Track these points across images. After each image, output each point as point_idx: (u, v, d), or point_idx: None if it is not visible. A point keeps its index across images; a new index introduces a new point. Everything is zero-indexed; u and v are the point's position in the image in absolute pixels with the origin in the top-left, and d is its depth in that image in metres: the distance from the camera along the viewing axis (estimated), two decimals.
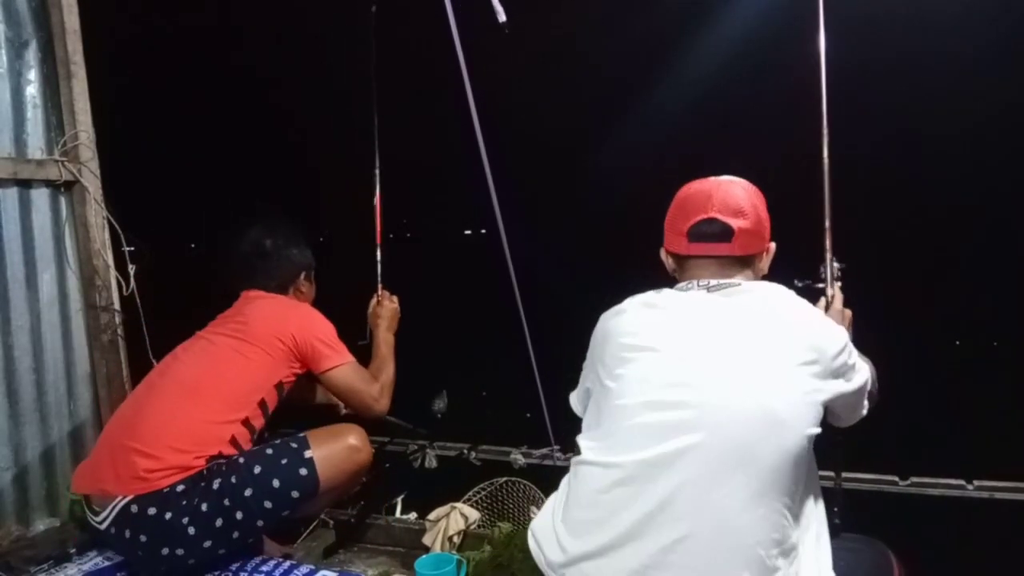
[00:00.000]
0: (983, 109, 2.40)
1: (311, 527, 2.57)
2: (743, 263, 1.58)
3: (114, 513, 2.09)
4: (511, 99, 2.78)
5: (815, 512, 1.43)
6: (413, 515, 2.82)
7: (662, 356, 1.45)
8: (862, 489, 2.58)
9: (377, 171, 2.82)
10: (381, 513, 2.81)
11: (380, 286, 2.80)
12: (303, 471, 2.16)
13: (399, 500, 2.95)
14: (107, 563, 2.31)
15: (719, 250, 1.55)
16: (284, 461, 2.16)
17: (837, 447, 2.27)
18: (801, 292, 1.97)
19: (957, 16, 2.38)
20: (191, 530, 2.06)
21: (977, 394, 2.51)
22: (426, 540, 2.47)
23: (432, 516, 2.54)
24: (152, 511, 2.06)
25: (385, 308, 2.73)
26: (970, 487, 2.53)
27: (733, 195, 1.56)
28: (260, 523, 2.14)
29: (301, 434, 2.29)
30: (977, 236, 2.49)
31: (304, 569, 2.20)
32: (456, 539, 2.45)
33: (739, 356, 1.40)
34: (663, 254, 1.68)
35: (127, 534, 2.09)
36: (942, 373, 2.56)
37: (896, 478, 2.60)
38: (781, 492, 1.32)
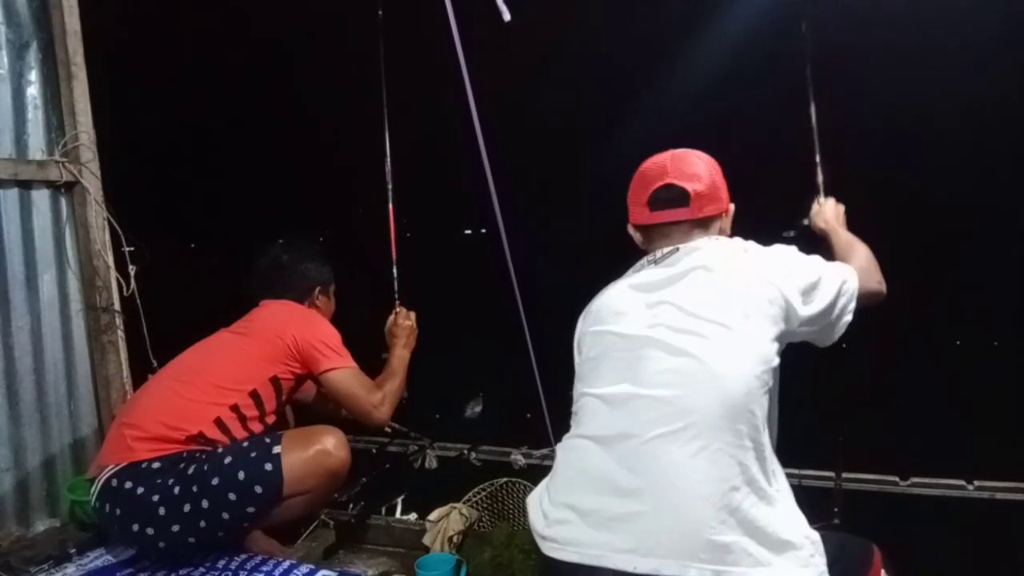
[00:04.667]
0: (983, 108, 2.40)
1: (311, 527, 2.57)
2: (703, 226, 1.67)
3: (99, 487, 2.17)
4: (511, 98, 2.78)
5: (766, 446, 1.47)
6: (413, 515, 2.83)
7: (616, 339, 1.57)
8: (862, 489, 2.57)
9: (390, 186, 2.82)
10: (381, 513, 2.81)
11: (397, 303, 2.80)
12: (268, 466, 2.17)
13: (399, 500, 2.95)
14: (107, 563, 2.31)
15: (678, 215, 1.65)
16: (253, 454, 2.19)
17: (837, 447, 2.27)
18: (792, 240, 1.97)
19: (956, 10, 2.39)
20: (161, 510, 2.10)
21: (977, 394, 2.50)
22: (426, 540, 2.48)
23: (432, 516, 2.55)
24: (128, 485, 2.13)
25: (400, 327, 2.73)
26: (970, 487, 2.52)
27: (687, 162, 1.67)
28: (225, 516, 2.15)
29: (280, 432, 2.32)
30: (977, 236, 2.49)
31: (304, 569, 2.20)
32: (456, 539, 2.46)
33: (676, 321, 1.50)
34: (630, 229, 1.77)
35: (107, 508, 2.16)
36: (942, 373, 2.55)
37: (896, 478, 2.60)
38: (731, 435, 1.40)
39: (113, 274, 2.81)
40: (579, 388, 1.64)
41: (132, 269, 2.81)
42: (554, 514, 1.51)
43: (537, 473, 2.86)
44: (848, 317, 1.65)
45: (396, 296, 2.81)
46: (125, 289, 2.81)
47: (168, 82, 3.44)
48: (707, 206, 1.65)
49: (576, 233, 2.93)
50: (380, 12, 2.75)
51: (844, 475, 2.36)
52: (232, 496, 2.13)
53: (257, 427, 2.34)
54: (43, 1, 2.69)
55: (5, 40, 2.60)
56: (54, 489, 2.73)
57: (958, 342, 2.55)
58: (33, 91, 2.68)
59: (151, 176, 3.48)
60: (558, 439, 2.77)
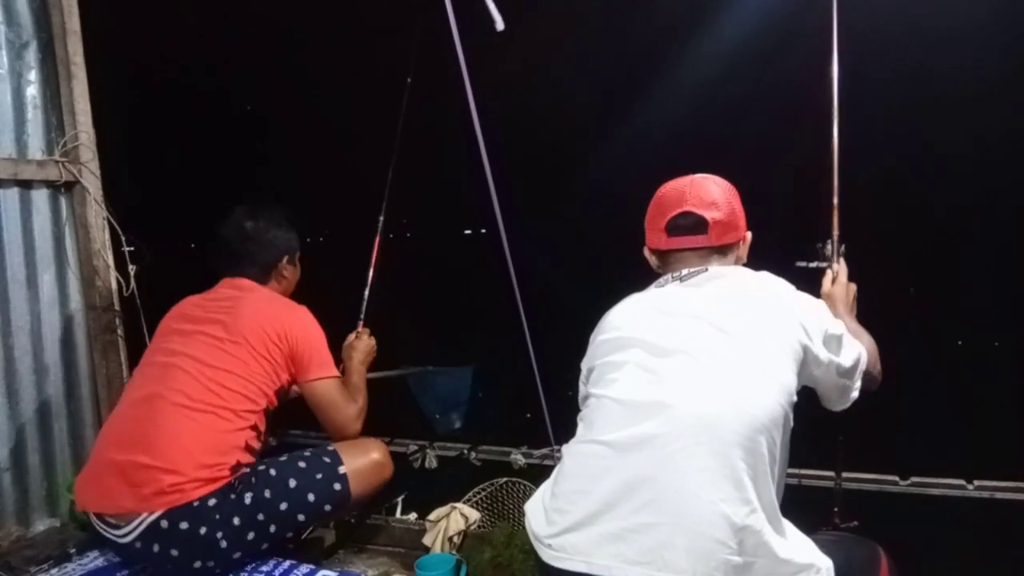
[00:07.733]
0: (986, 112, 2.41)
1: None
2: (721, 253, 1.68)
3: (141, 528, 2.04)
4: (511, 99, 2.78)
5: (779, 479, 1.49)
6: (413, 515, 2.82)
7: (640, 348, 1.55)
8: (862, 489, 2.58)
9: (382, 217, 2.80)
10: (381, 513, 2.81)
11: (361, 323, 2.73)
12: (337, 486, 2.21)
13: (399, 500, 2.95)
14: (107, 563, 2.31)
15: (696, 242, 1.66)
16: (319, 476, 2.20)
17: (837, 447, 2.27)
18: (805, 273, 2.00)
19: (964, 24, 2.39)
20: (223, 544, 2.06)
21: (977, 394, 2.51)
22: (426, 540, 2.48)
23: (432, 516, 2.54)
24: (184, 525, 2.02)
25: (362, 342, 2.65)
26: (970, 487, 2.52)
27: (706, 189, 1.67)
28: (289, 534, 2.20)
29: (330, 447, 2.30)
30: (978, 236, 2.49)
31: (304, 569, 2.20)
32: (456, 539, 2.45)
33: (706, 337, 1.50)
34: (646, 252, 1.78)
35: (155, 548, 2.05)
36: (942, 373, 2.56)
37: (896, 478, 2.60)
38: (752, 458, 1.39)
39: (113, 274, 2.81)
40: (592, 391, 1.60)
41: (132, 269, 2.81)
42: (560, 521, 1.46)
43: (537, 473, 2.86)
44: (855, 394, 1.67)
45: (362, 318, 2.75)
46: (125, 289, 2.81)
47: (168, 82, 3.44)
48: (725, 234, 1.66)
49: (576, 233, 2.93)
50: (368, 25, 2.74)
51: (844, 475, 2.35)
52: (301, 517, 2.17)
53: (264, 428, 2.32)
54: (43, 1, 2.69)
55: (5, 40, 2.60)
56: (54, 489, 2.73)
57: (958, 342, 2.56)
58: (33, 91, 2.68)
59: (151, 176, 3.48)
60: (558, 439, 2.77)
